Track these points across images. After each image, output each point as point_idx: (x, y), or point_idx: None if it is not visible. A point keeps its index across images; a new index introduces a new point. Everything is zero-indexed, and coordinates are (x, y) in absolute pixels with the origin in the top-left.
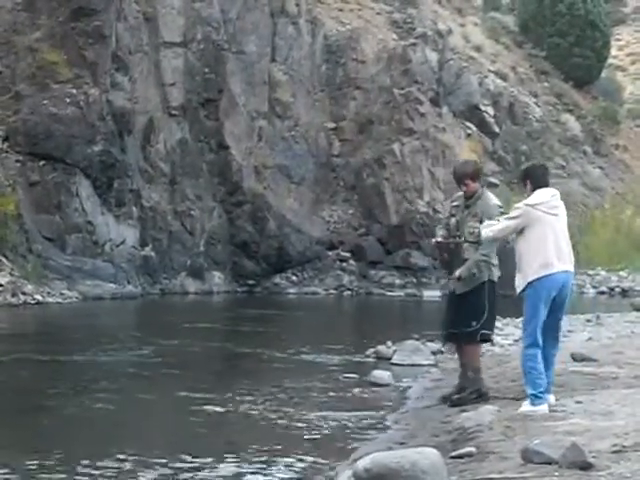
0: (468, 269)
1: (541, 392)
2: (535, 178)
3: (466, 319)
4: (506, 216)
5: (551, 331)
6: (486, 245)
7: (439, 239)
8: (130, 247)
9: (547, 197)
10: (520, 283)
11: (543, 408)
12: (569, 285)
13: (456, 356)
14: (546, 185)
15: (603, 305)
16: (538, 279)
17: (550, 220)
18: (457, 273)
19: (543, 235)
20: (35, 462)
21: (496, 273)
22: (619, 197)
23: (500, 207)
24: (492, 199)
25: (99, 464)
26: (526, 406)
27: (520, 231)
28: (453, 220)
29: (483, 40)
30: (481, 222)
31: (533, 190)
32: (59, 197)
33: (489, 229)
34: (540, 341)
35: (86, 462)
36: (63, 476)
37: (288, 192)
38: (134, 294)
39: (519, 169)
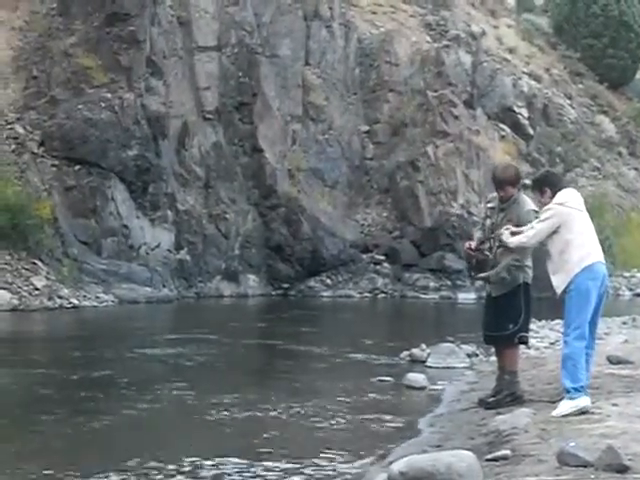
0: (497, 273)
1: (581, 386)
2: (553, 183)
3: (503, 322)
4: (538, 219)
5: (589, 328)
6: (520, 249)
7: (471, 244)
8: (165, 251)
9: (572, 195)
10: (560, 283)
11: (583, 401)
12: (607, 279)
13: (492, 359)
14: (564, 187)
15: (639, 307)
16: (582, 270)
17: (581, 216)
18: (485, 274)
19: (578, 230)
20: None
21: (531, 275)
22: None
23: (536, 212)
24: (528, 204)
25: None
26: (563, 405)
27: (553, 232)
28: (488, 222)
29: (517, 42)
30: (517, 227)
31: (553, 195)
32: (94, 201)
33: (521, 236)
34: (587, 335)
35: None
36: None
37: (322, 195)
38: (169, 298)
39: (532, 179)
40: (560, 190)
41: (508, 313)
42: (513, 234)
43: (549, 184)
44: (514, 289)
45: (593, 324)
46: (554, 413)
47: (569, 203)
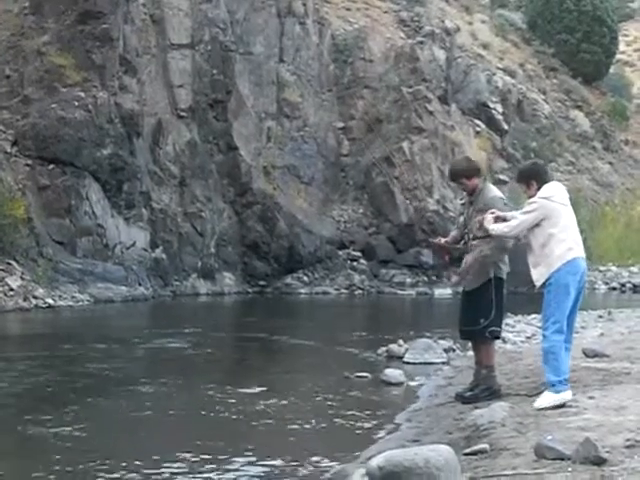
0: (481, 251)
1: (565, 379)
2: (540, 176)
3: (475, 316)
4: (522, 211)
5: (567, 322)
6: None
7: (441, 239)
8: (141, 249)
9: (557, 189)
10: (540, 276)
11: (568, 394)
12: (585, 274)
13: (469, 353)
14: (550, 180)
15: (614, 301)
16: (563, 265)
17: (565, 210)
18: (458, 270)
19: (562, 225)
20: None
21: (505, 270)
22: (629, 192)
23: (502, 199)
24: (492, 191)
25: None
26: (546, 397)
27: (536, 224)
28: (461, 218)
29: (491, 37)
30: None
31: (539, 187)
32: (69, 200)
33: (503, 225)
34: (565, 329)
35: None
36: None
37: (298, 192)
38: (145, 296)
39: (518, 170)
40: (546, 183)
41: (479, 308)
42: (497, 219)
43: (536, 176)
44: (485, 283)
45: (571, 318)
46: (535, 405)
47: (554, 197)
